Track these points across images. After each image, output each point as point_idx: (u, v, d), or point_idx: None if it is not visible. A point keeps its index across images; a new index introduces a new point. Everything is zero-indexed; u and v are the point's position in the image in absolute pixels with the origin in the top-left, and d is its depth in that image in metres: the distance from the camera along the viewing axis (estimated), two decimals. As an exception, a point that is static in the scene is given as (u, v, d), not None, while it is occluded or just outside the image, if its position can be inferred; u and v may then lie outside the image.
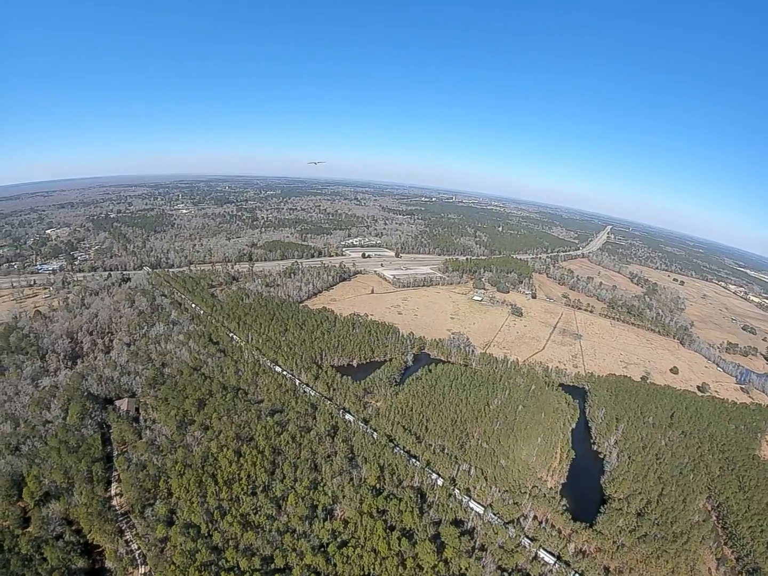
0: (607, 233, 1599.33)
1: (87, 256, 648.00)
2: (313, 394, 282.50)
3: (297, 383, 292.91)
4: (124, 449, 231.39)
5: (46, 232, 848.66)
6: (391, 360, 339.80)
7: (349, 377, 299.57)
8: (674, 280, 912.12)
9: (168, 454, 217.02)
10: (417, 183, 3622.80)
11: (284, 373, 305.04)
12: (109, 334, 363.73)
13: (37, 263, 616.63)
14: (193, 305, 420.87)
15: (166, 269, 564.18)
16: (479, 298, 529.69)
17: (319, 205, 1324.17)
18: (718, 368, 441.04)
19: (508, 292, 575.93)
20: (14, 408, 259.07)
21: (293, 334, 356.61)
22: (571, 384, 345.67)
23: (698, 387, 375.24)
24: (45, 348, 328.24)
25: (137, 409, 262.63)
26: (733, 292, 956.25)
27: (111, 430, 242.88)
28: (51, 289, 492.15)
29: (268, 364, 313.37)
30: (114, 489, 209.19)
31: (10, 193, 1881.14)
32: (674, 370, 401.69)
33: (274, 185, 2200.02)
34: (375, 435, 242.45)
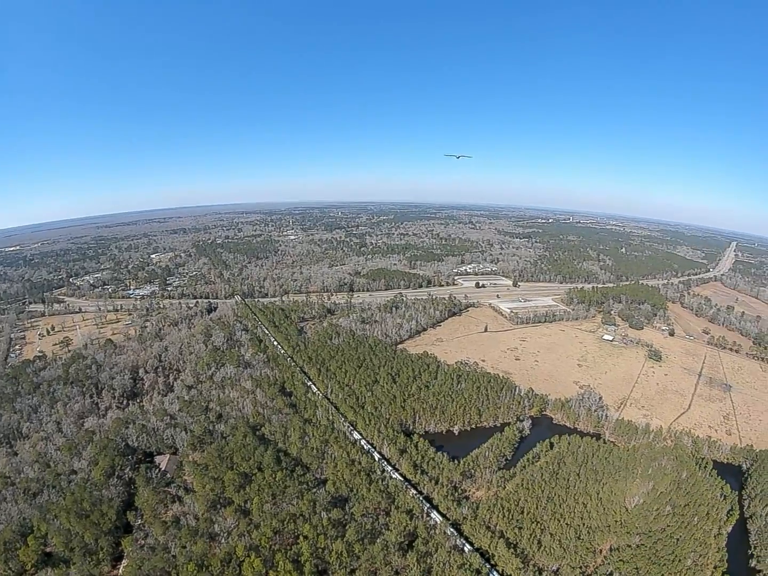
0: (734, 250, 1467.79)
1: (180, 282, 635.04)
2: (394, 476, 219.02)
3: (376, 458, 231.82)
4: (149, 519, 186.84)
5: (150, 256, 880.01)
6: (503, 427, 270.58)
7: (445, 453, 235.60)
8: None
9: (188, 542, 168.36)
10: (532, 204, 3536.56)
11: (362, 442, 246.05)
12: (175, 372, 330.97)
13: (131, 288, 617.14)
14: (275, 343, 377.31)
15: (257, 299, 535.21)
16: (610, 338, 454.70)
17: (432, 230, 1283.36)
18: None
19: (642, 328, 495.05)
20: (48, 448, 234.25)
21: (382, 388, 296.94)
22: (726, 461, 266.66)
23: None
24: (104, 382, 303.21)
25: (178, 470, 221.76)
26: None
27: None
28: (134, 315, 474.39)
29: (345, 428, 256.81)
30: (123, 567, 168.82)
31: (131, 219, 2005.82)
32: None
33: (388, 210, 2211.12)
34: (466, 548, 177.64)
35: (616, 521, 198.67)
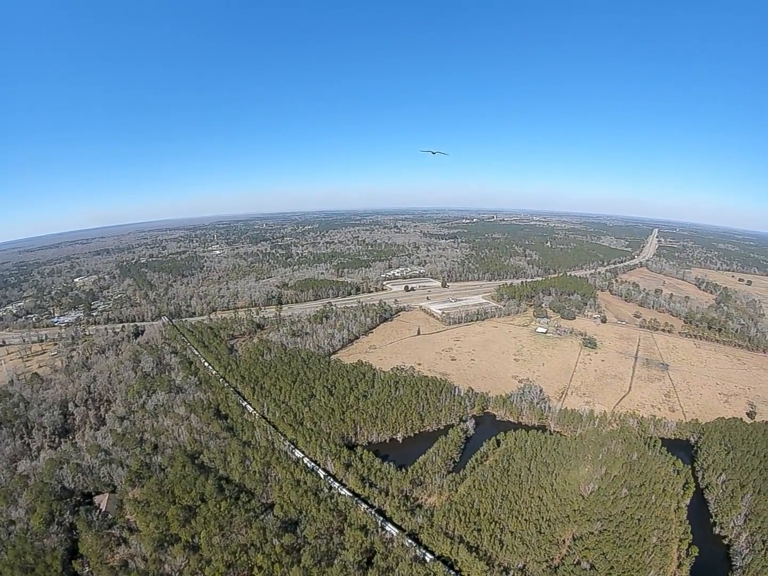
0: (656, 237, 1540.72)
1: (106, 307, 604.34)
2: (342, 493, 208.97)
3: (321, 476, 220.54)
4: (96, 567, 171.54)
5: (74, 280, 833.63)
6: (446, 430, 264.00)
7: (392, 463, 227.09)
8: (740, 280, 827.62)
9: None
10: (456, 206, 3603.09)
11: (305, 460, 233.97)
12: (106, 403, 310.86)
13: (55, 315, 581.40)
14: (206, 364, 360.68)
15: (185, 319, 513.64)
16: (543, 330, 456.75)
17: (358, 236, 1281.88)
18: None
19: (574, 318, 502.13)
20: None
21: (320, 402, 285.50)
22: (673, 437, 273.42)
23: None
24: (33, 420, 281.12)
25: (119, 508, 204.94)
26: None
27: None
28: (60, 345, 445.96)
29: (286, 447, 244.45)
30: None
31: (54, 242, 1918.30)
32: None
33: (313, 219, 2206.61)
34: (428, 558, 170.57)
35: (574, 510, 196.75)
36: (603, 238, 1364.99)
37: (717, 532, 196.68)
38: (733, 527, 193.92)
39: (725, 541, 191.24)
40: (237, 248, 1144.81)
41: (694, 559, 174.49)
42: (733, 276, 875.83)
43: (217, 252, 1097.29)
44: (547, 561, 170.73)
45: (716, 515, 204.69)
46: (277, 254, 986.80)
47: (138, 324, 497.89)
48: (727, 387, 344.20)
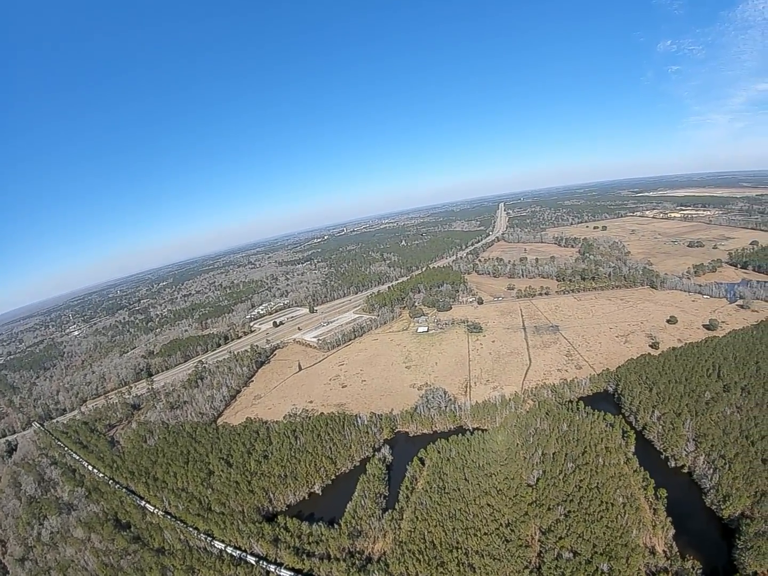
0: (504, 210, 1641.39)
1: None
2: (282, 574, 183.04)
3: (252, 562, 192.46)
4: None
5: None
6: (363, 465, 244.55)
7: (321, 522, 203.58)
8: (595, 228, 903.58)
9: None
10: (304, 228, 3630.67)
11: (228, 550, 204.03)
12: (1, 545, 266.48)
13: None
14: (90, 468, 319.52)
15: (56, 419, 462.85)
16: (425, 329, 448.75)
17: (214, 282, 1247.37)
18: (704, 296, 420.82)
19: (451, 308, 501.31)
20: None
21: (221, 478, 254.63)
22: (591, 393, 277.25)
23: (706, 326, 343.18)
24: None
25: None
26: (653, 217, 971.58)
27: None
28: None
29: (203, 542, 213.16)
30: None
31: None
32: (672, 320, 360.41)
33: (166, 275, 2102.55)
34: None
35: (529, 504, 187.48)
36: (454, 224, 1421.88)
37: (673, 465, 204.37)
38: (686, 455, 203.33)
39: (685, 470, 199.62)
40: (95, 324, 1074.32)
41: (665, 500, 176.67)
42: (587, 227, 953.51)
43: (76, 333, 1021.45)
44: (526, 566, 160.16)
45: (665, 450, 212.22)
46: (137, 321, 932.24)
47: (9, 438, 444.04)
48: (621, 328, 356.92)
